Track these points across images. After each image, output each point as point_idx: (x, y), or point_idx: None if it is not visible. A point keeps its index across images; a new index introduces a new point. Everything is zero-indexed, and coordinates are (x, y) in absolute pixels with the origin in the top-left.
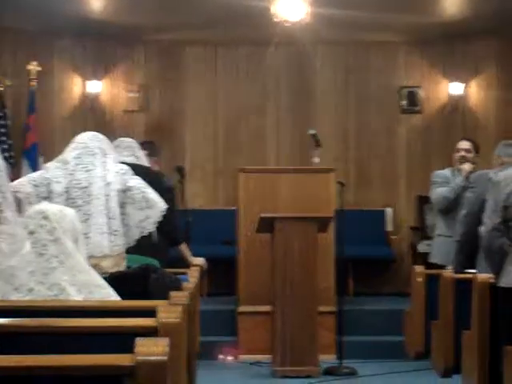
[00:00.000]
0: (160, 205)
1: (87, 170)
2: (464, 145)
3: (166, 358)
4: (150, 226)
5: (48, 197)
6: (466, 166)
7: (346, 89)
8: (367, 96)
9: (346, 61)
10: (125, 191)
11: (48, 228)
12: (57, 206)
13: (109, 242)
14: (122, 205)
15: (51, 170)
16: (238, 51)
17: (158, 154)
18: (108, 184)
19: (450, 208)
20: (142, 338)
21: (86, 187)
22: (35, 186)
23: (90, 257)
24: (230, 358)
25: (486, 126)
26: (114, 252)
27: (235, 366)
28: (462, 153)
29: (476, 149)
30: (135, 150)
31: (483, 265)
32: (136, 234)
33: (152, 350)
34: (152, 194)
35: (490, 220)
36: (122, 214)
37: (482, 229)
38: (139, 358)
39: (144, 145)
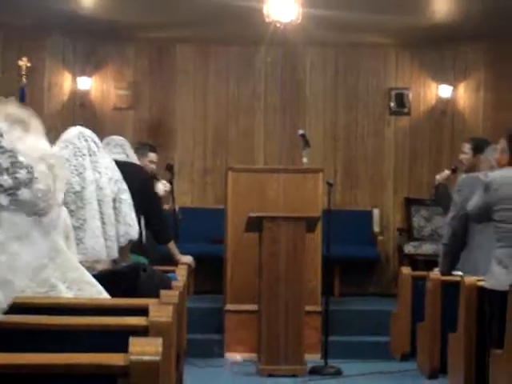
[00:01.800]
0: (135, 228)
1: (78, 173)
2: (462, 147)
3: (159, 357)
4: (125, 242)
5: None
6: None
7: (335, 90)
8: (356, 97)
9: (336, 62)
10: (115, 201)
11: None
12: None
13: (104, 246)
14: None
15: None
16: (228, 50)
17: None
18: (101, 189)
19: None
20: (135, 338)
21: (78, 192)
22: None
23: (85, 261)
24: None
25: (474, 129)
26: (110, 257)
27: (221, 364)
28: (460, 155)
29: (475, 149)
30: (125, 148)
31: (469, 266)
32: (121, 243)
33: (146, 349)
34: (134, 215)
35: (473, 206)
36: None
37: (469, 204)
38: (133, 357)
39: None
